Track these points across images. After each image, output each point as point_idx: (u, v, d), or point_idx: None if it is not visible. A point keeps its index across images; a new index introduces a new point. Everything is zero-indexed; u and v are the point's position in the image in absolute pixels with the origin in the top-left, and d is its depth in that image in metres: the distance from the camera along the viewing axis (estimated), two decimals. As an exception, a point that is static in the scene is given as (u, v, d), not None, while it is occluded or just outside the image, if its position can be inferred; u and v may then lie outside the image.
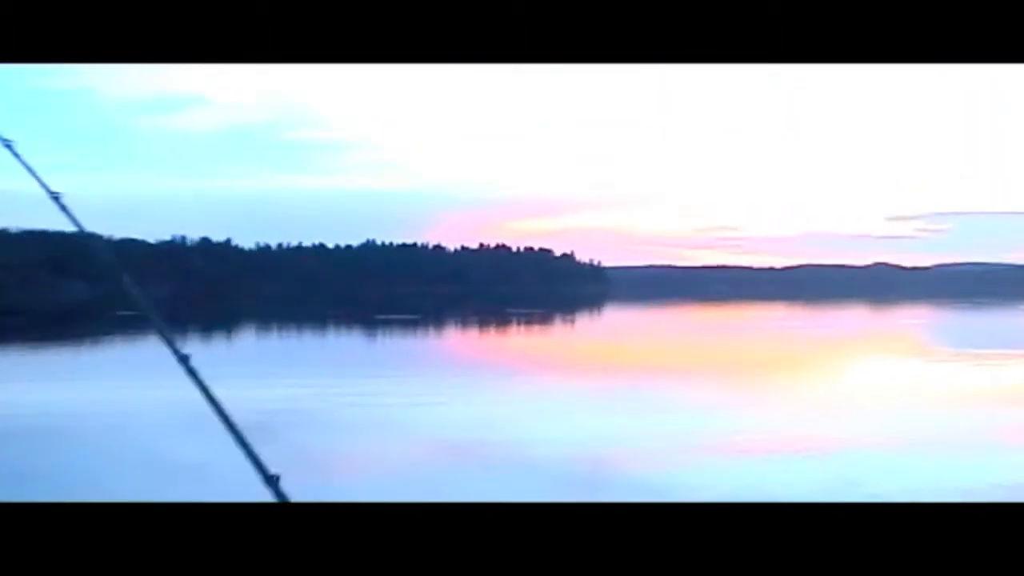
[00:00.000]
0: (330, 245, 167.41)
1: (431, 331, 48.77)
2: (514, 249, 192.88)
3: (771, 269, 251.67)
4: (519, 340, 42.38)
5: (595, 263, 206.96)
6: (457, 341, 41.64)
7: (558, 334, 47.78)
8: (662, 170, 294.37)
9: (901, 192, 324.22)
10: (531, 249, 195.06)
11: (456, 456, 12.17)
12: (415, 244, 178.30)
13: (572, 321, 61.10)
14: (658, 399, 18.28)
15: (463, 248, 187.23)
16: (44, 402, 17.00)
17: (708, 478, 10.59)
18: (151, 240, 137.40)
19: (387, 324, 50.55)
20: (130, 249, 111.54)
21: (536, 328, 51.27)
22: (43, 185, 2.19)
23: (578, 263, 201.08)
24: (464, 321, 56.20)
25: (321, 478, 10.05)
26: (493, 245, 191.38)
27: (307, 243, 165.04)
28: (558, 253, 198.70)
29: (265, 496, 1.89)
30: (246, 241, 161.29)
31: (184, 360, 2.15)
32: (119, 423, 14.76)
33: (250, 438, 1.99)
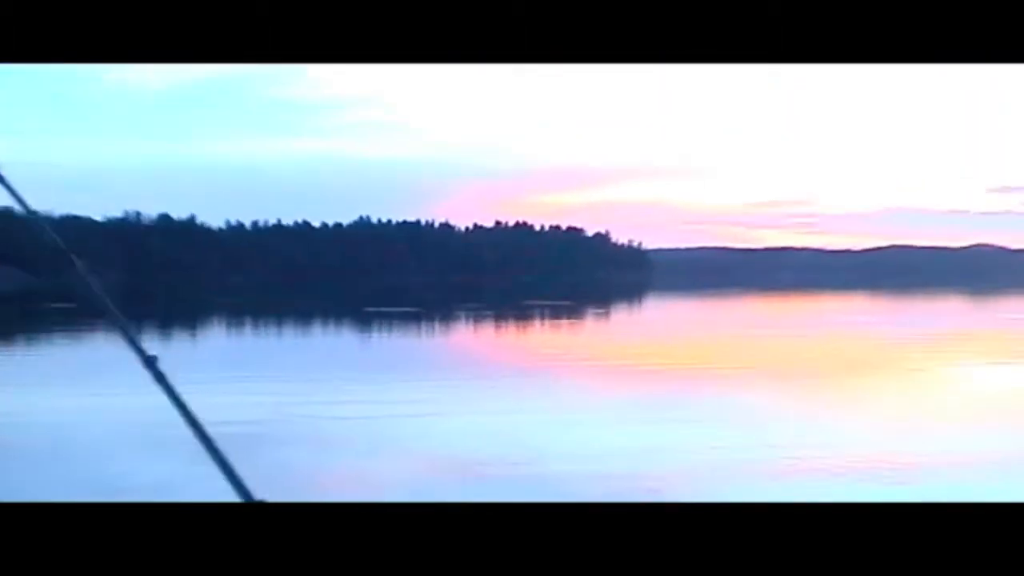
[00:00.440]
0: (316, 223, 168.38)
1: (435, 327, 48.92)
2: (537, 228, 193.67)
3: (848, 252, 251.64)
4: (542, 339, 42.39)
5: (635, 244, 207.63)
6: (466, 339, 41.75)
7: (590, 331, 47.90)
8: (715, 135, 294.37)
9: (1005, 159, 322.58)
10: (557, 228, 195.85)
11: (459, 473, 12.23)
12: (418, 222, 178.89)
13: (607, 315, 61.26)
14: (710, 411, 18.31)
15: (476, 227, 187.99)
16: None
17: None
18: (98, 217, 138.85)
19: (381, 319, 50.72)
20: (72, 228, 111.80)
21: (563, 324, 51.31)
22: None
23: (614, 245, 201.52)
24: (475, 315, 56.32)
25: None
26: (512, 223, 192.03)
27: (288, 221, 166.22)
28: (590, 232, 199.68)
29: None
30: (214, 219, 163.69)
31: (151, 363, 2.18)
32: (60, 438, 14.83)
33: (232, 458, 2.08)
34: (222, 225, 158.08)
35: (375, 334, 43.03)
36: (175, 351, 30.82)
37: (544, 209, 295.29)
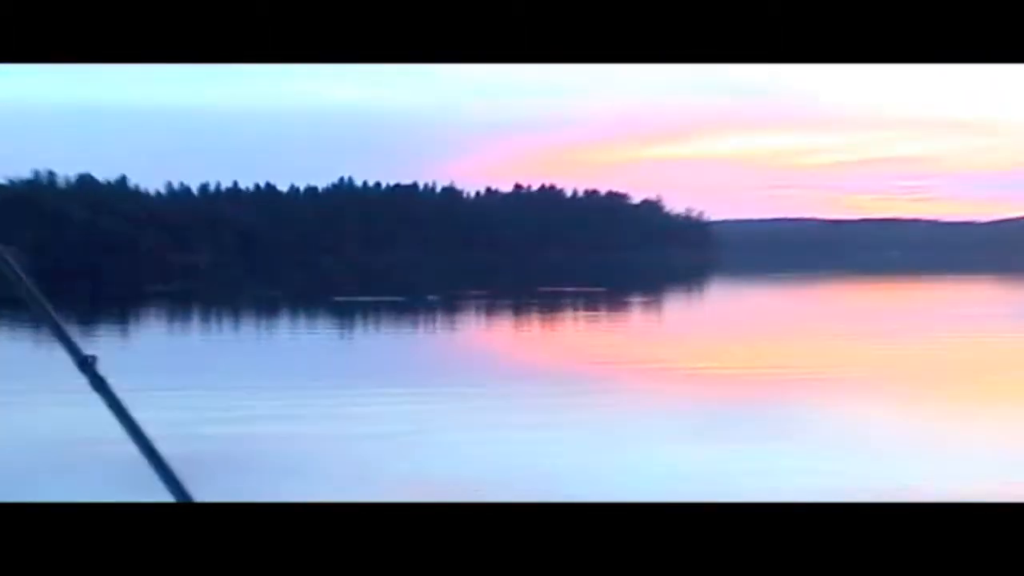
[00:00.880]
0: (283, 187, 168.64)
1: (430, 320, 48.86)
2: (568, 193, 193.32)
3: (970, 224, 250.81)
4: (573, 336, 42.39)
5: (694, 215, 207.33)
6: (472, 337, 41.76)
7: (635, 326, 47.85)
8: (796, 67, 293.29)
9: None
10: (594, 193, 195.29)
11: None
12: (414, 185, 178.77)
13: (658, 305, 61.29)
14: (792, 428, 18.41)
15: (489, 191, 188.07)
16: None
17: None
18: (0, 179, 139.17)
19: (357, 310, 50.79)
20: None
21: (600, 316, 51.34)
22: None
23: (667, 214, 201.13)
24: (486, 304, 56.40)
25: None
26: (535, 187, 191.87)
27: (247, 184, 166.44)
28: (636, 199, 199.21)
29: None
30: (151, 182, 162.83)
31: (87, 364, 2.40)
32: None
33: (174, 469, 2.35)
34: (161, 189, 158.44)
35: (351, 331, 43.16)
36: (99, 353, 30.86)
37: (578, 169, 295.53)
